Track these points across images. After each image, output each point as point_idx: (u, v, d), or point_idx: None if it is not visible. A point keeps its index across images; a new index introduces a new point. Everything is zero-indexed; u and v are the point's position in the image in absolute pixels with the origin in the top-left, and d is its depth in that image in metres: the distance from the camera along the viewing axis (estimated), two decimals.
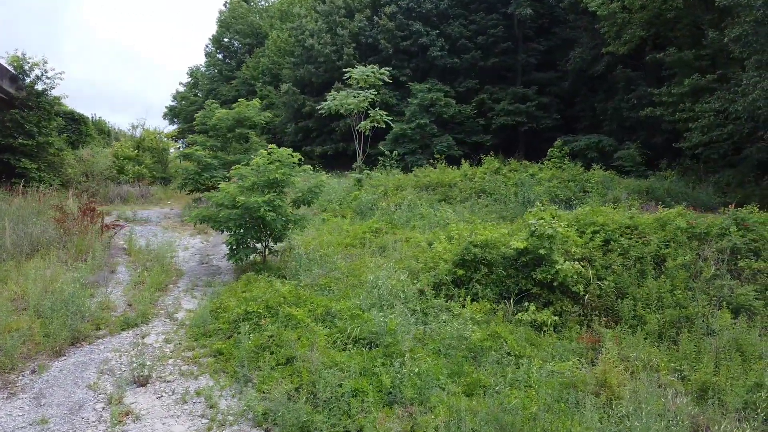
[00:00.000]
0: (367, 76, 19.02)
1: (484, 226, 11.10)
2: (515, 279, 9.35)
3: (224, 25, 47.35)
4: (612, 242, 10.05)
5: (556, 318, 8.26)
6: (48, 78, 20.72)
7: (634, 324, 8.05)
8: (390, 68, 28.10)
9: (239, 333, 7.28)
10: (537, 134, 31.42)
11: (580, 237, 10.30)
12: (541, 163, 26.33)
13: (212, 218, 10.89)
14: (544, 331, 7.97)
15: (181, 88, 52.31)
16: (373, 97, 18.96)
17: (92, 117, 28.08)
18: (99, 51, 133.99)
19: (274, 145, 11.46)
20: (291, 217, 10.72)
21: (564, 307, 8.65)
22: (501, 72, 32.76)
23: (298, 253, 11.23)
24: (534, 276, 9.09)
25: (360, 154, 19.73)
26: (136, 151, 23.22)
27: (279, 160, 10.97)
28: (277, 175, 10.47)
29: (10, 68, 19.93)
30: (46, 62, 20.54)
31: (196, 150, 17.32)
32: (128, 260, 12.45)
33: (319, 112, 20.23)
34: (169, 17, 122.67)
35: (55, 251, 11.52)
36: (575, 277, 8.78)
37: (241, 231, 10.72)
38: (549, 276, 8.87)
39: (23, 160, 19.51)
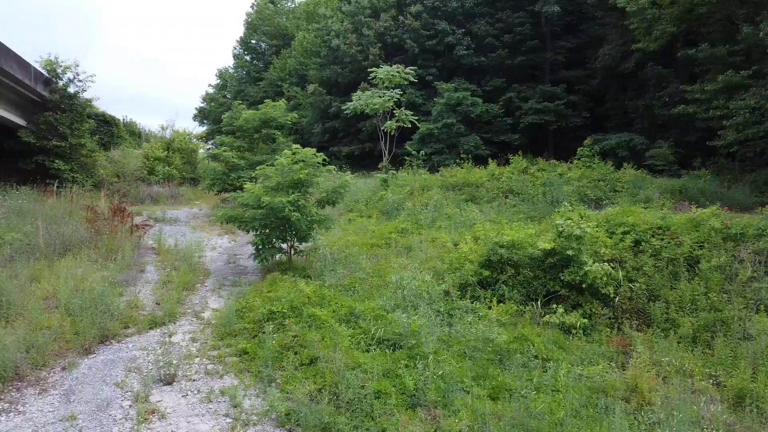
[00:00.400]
0: (392, 75, 18.95)
1: (511, 226, 10.94)
2: (542, 280, 9.21)
3: (251, 27, 47.86)
4: (643, 243, 9.80)
5: (585, 320, 8.09)
6: (80, 81, 21.19)
7: (666, 327, 7.84)
8: (416, 68, 28.07)
9: (264, 333, 7.30)
10: (566, 133, 31.00)
11: (610, 238, 10.09)
12: (570, 163, 26.01)
13: (238, 218, 10.97)
14: (573, 334, 7.82)
15: (211, 90, 53.07)
16: (398, 96, 18.88)
17: (123, 119, 28.72)
18: (128, 60, 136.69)
19: (298, 146, 11.48)
20: (316, 217, 10.72)
21: (593, 310, 8.47)
22: (528, 70, 32.40)
23: (323, 254, 11.22)
24: (562, 277, 8.93)
25: (386, 154, 19.68)
26: (166, 152, 23.57)
27: (303, 161, 10.97)
28: (301, 176, 10.48)
29: (44, 72, 20.40)
30: (77, 65, 21.03)
31: (224, 151, 17.49)
32: (157, 260, 12.61)
33: (345, 112, 20.20)
34: (196, 23, 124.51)
35: (86, 251, 11.72)
36: (605, 278, 8.59)
37: (266, 231, 10.76)
38: (577, 277, 8.71)
39: (57, 161, 19.93)
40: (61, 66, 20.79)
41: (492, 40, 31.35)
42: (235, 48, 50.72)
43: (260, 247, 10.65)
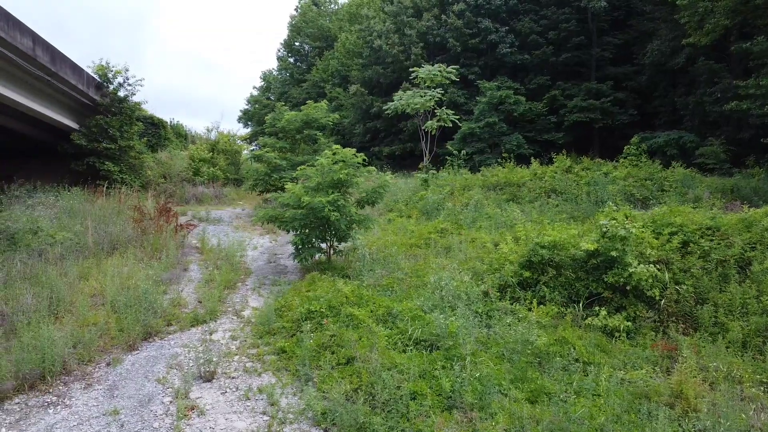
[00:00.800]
0: (434, 75, 18.84)
1: (553, 226, 10.72)
2: (585, 282, 8.98)
3: (295, 29, 48.44)
4: (691, 244, 9.44)
5: (629, 324, 7.84)
6: (129, 85, 21.80)
7: (714, 332, 7.52)
8: (458, 67, 27.92)
9: (302, 332, 7.36)
10: (612, 131, 30.25)
11: (656, 238, 9.76)
12: (616, 161, 25.39)
13: (278, 218, 11.11)
14: (616, 338, 7.59)
15: (255, 92, 53.98)
16: (439, 96, 18.76)
17: (170, 121, 29.45)
18: (177, 60, 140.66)
19: (338, 146, 11.55)
20: (355, 217, 10.76)
21: (638, 313, 8.20)
22: (574, 67, 31.72)
23: (362, 253, 11.25)
24: (605, 279, 8.69)
25: (426, 154, 19.60)
26: (211, 153, 24.06)
27: (343, 161, 11.03)
28: (341, 176, 10.54)
29: (95, 76, 21.11)
30: (127, 70, 21.63)
31: (266, 152, 17.74)
32: (200, 258, 12.87)
33: (386, 112, 20.21)
34: (244, 26, 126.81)
35: (132, 249, 12.08)
36: (650, 280, 8.31)
37: (306, 231, 10.86)
38: (622, 279, 8.46)
39: (107, 163, 20.58)
40: (111, 71, 21.45)
41: (536, 38, 30.87)
42: (279, 50, 51.55)
43: (300, 246, 10.75)
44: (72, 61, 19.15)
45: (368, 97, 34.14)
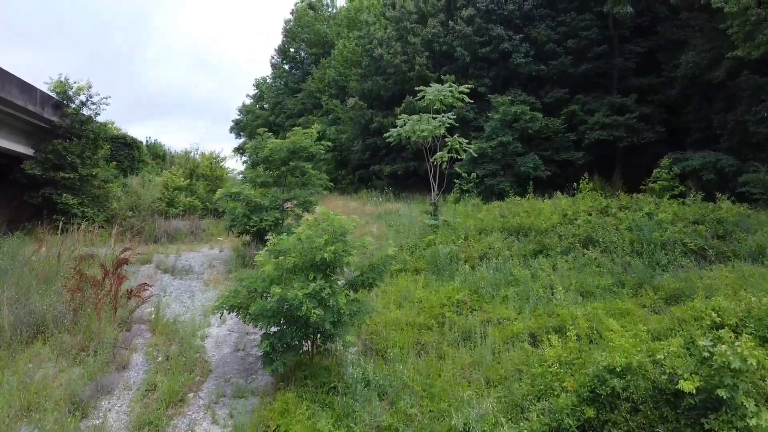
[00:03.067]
0: (444, 95, 15.86)
1: (622, 334, 7.67)
2: (675, 426, 6.15)
3: (290, 34, 45.46)
4: None
5: None
6: (93, 103, 19.06)
7: None
8: (471, 85, 25.18)
9: None
10: (636, 149, 27.25)
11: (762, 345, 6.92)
12: (644, 185, 22.65)
13: (241, 308, 8.23)
14: None
15: (248, 101, 50.94)
16: (451, 121, 15.82)
17: (147, 141, 26.74)
18: (177, 60, 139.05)
19: (323, 208, 8.70)
20: (344, 310, 7.84)
21: None
22: (594, 78, 28.74)
23: (355, 361, 8.40)
24: (707, 426, 5.87)
25: (434, 188, 16.72)
26: (189, 180, 21.21)
27: (332, 229, 8.15)
28: (326, 255, 7.63)
29: (52, 94, 18.33)
30: (90, 86, 18.90)
31: (244, 188, 14.91)
32: (149, 342, 10.06)
33: (387, 140, 17.28)
34: (244, 27, 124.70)
35: (60, 335, 9.31)
36: None
37: (280, 329, 8.01)
38: (734, 430, 5.65)
39: (65, 194, 17.80)
40: (72, 87, 18.69)
41: (553, 46, 27.89)
42: (272, 57, 48.53)
43: (270, 351, 7.88)
44: (19, 79, 16.42)
45: (368, 111, 31.13)
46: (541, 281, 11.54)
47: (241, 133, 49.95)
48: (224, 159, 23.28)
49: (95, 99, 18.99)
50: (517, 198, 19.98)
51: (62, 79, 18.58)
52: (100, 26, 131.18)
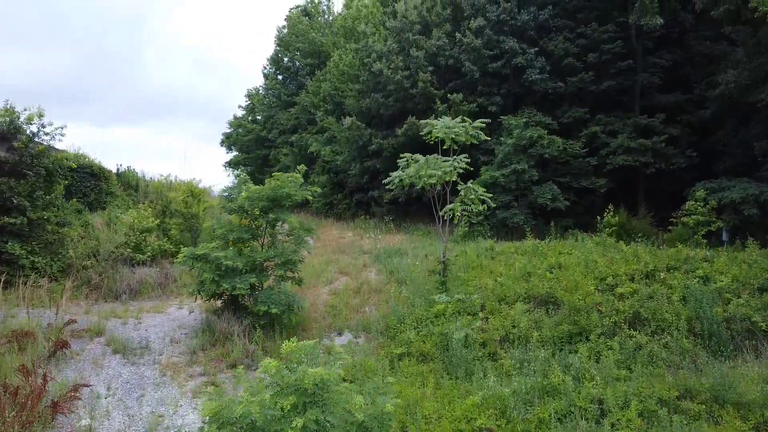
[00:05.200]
0: (456, 133, 13.09)
1: None
2: None
3: (283, 43, 42.66)
4: None
5: None
6: (46, 134, 16.32)
7: None
8: (478, 98, 22.48)
9: None
10: (662, 174, 24.54)
11: None
12: (674, 217, 20.12)
13: None
14: None
15: (240, 113, 48.10)
16: (465, 164, 13.08)
17: (118, 169, 23.89)
18: (177, 60, 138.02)
19: (311, 370, 6.00)
20: None
21: None
22: (615, 96, 26.01)
23: None
24: None
25: (443, 239, 14.03)
26: (161, 218, 18.49)
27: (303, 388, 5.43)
28: None
29: None
30: (42, 114, 16.16)
31: (213, 250, 12.19)
32: None
33: (387, 187, 14.55)
34: (244, 26, 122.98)
35: None
36: None
37: None
38: None
39: (10, 242, 15.11)
40: (20, 116, 16.00)
41: (572, 61, 25.11)
42: (265, 67, 45.69)
43: None
44: None
45: (366, 132, 28.23)
46: (585, 389, 8.84)
47: (232, 147, 47.21)
48: (203, 192, 20.49)
49: (48, 129, 16.26)
50: (537, 242, 17.36)
51: (8, 106, 15.89)
52: (101, 27, 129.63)
